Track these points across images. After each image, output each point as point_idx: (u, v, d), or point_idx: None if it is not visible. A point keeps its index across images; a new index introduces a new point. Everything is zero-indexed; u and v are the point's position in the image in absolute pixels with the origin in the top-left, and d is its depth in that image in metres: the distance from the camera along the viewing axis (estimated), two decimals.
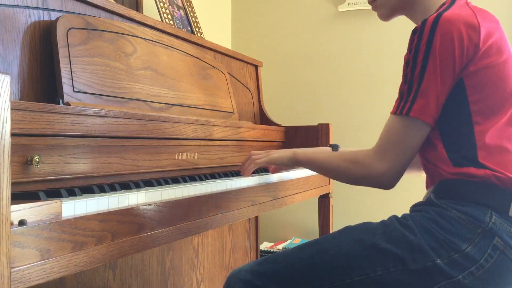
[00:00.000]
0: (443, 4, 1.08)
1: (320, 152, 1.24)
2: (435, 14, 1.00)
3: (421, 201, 1.08)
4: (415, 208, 1.07)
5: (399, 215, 1.06)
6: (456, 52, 0.98)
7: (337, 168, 1.14)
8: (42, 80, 1.15)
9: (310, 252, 1.06)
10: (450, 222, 0.97)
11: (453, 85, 1.01)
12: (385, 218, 1.08)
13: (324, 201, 2.01)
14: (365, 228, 1.05)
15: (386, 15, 1.21)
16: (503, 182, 0.98)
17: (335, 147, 1.46)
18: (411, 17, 1.18)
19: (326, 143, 2.00)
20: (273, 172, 1.53)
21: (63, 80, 1.13)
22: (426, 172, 1.11)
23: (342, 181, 1.18)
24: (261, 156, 1.35)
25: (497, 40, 1.02)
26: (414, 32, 1.02)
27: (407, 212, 1.10)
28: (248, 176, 1.39)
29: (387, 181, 1.05)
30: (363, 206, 2.69)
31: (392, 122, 1.03)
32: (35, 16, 1.16)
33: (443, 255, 0.95)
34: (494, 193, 0.97)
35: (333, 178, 1.25)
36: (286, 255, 1.08)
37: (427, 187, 1.11)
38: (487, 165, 0.98)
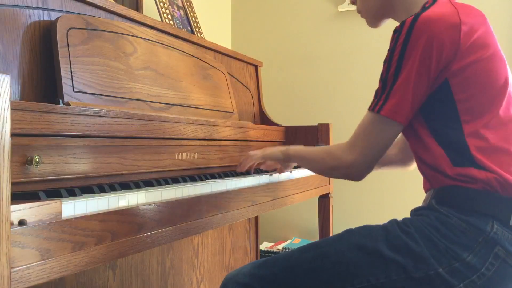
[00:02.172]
0: (426, 3, 1.07)
1: (310, 147, 1.27)
2: (414, 15, 1.00)
3: (422, 206, 1.07)
4: (417, 212, 1.05)
5: (399, 218, 1.05)
6: (434, 53, 0.97)
7: (315, 159, 1.19)
8: (42, 80, 1.15)
9: (311, 256, 1.04)
10: (452, 230, 0.96)
11: (432, 85, 1.00)
12: (385, 218, 1.07)
13: (324, 201, 2.01)
14: (367, 233, 1.03)
15: (373, 22, 1.23)
16: (504, 187, 0.96)
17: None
18: (397, 19, 1.17)
19: (326, 143, 2.00)
20: (279, 173, 1.55)
21: (63, 80, 1.13)
22: (424, 175, 1.09)
23: (319, 173, 1.24)
24: (257, 152, 1.41)
25: (481, 35, 1.00)
26: (394, 32, 1.02)
27: (407, 213, 1.09)
28: (242, 170, 1.44)
29: (354, 172, 1.07)
30: (363, 206, 2.69)
31: (366, 118, 1.05)
32: (35, 16, 1.16)
33: (444, 264, 0.94)
34: (495, 201, 0.96)
35: (314, 171, 1.29)
36: (286, 259, 1.06)
37: (425, 189, 1.10)
38: (486, 166, 0.97)
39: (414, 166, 1.32)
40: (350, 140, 1.07)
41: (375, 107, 1.02)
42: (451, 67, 0.98)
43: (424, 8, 1.04)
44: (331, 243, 1.05)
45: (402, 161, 1.35)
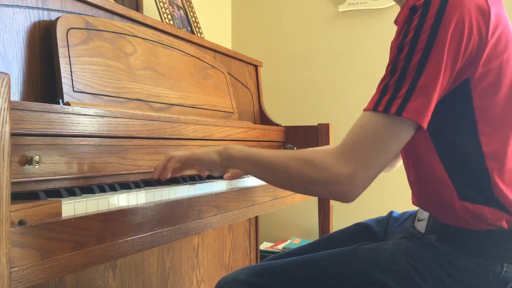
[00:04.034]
0: None
1: (265, 149, 0.97)
2: None
3: (420, 234, 0.94)
4: (417, 240, 0.93)
5: (397, 210, 1.00)
6: (464, 38, 0.78)
7: (286, 169, 0.87)
8: (42, 80, 1.15)
9: (311, 274, 0.96)
10: (459, 271, 0.86)
11: (452, 82, 0.81)
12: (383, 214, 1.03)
13: (324, 201, 2.01)
14: (373, 258, 0.93)
15: None
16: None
17: (290, 148, 1.29)
18: None
19: (326, 143, 1.99)
20: (228, 179, 1.25)
21: (63, 80, 1.13)
22: (417, 193, 0.96)
23: (289, 188, 0.95)
24: (178, 154, 1.07)
25: (504, 29, 0.83)
26: (413, 10, 0.80)
27: (403, 207, 1.05)
28: (154, 177, 1.09)
29: (350, 189, 0.81)
30: (363, 206, 2.69)
31: (369, 120, 0.81)
32: (35, 16, 1.16)
33: None
34: (502, 242, 0.85)
35: (278, 184, 0.98)
36: (284, 271, 0.99)
37: (415, 203, 0.99)
38: (504, 200, 0.83)
39: (396, 167, 1.23)
40: (346, 148, 0.82)
41: (389, 107, 0.79)
42: (475, 62, 0.81)
43: None
44: (332, 264, 0.96)
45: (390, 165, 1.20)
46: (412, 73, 0.78)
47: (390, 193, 2.62)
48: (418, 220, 0.98)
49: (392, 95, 0.79)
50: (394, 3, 2.41)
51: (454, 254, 0.87)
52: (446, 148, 0.85)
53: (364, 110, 0.83)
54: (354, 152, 0.80)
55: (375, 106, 0.81)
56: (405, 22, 0.81)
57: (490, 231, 0.85)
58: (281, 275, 0.98)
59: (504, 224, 0.84)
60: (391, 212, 1.19)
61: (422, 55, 0.77)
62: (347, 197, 0.82)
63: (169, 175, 1.08)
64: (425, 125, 0.79)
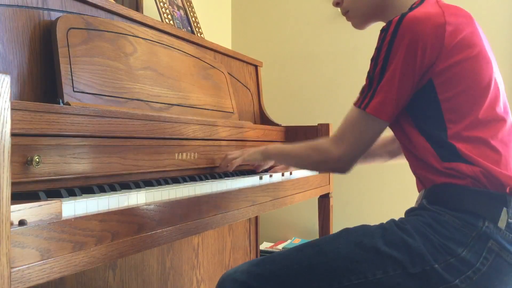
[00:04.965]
0: (413, 3, 1.08)
1: (291, 144, 1.29)
2: (400, 14, 1.01)
3: (414, 207, 1.08)
4: (410, 213, 1.06)
5: (397, 218, 1.05)
6: (418, 52, 0.99)
7: (300, 155, 1.22)
8: (42, 80, 1.15)
9: (308, 253, 1.05)
10: (445, 226, 0.97)
11: (417, 84, 1.01)
12: (385, 218, 1.07)
13: (324, 201, 2.01)
14: (364, 231, 1.04)
15: (359, 24, 1.24)
16: (491, 181, 0.97)
17: None
18: (385, 21, 1.15)
19: None
20: (257, 170, 1.62)
21: (63, 80, 1.13)
22: (415, 174, 1.10)
23: (305, 168, 1.31)
24: (236, 156, 1.46)
25: (466, 35, 1.02)
26: (381, 31, 1.04)
27: (404, 212, 1.09)
28: (221, 171, 1.49)
29: (342, 165, 1.10)
30: (363, 206, 2.69)
31: (351, 113, 1.08)
32: (35, 16, 1.16)
33: (440, 260, 0.95)
34: (484, 199, 0.97)
35: (298, 167, 1.37)
36: (284, 256, 1.07)
37: (419, 189, 1.11)
38: (473, 160, 0.98)
39: (395, 160, 1.38)
40: (337, 134, 1.10)
41: (361, 104, 1.05)
42: (435, 67, 1.00)
43: (411, 8, 1.05)
44: (328, 241, 1.06)
45: (389, 154, 1.38)
46: (376, 78, 1.03)
47: (388, 194, 2.62)
48: (415, 203, 1.10)
49: (365, 95, 1.05)
50: None
51: (440, 212, 0.99)
52: (423, 128, 1.05)
53: (352, 104, 1.09)
54: (341, 138, 1.09)
55: (355, 102, 1.08)
56: (378, 39, 1.05)
57: (473, 188, 0.98)
58: (280, 258, 1.07)
59: (483, 178, 0.97)
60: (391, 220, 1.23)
61: (382, 66, 1.02)
62: (342, 170, 1.13)
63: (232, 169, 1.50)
64: (383, 118, 1.03)
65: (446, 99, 1.01)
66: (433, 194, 1.03)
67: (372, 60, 1.05)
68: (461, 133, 1.00)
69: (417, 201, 1.10)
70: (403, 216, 1.12)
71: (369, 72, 1.05)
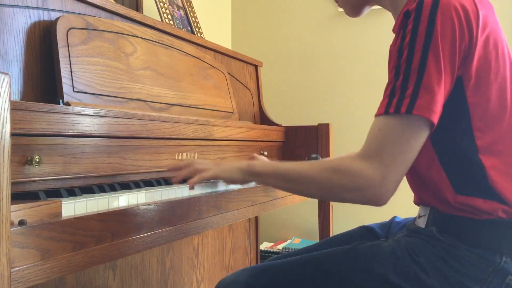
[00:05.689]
0: None
1: (287, 162, 0.99)
2: None
3: (421, 228, 0.96)
4: (417, 235, 0.95)
5: (399, 218, 1.02)
6: (457, 40, 0.83)
7: (314, 180, 0.90)
8: (42, 80, 1.15)
9: (312, 272, 0.96)
10: (460, 261, 0.87)
11: (453, 81, 0.85)
12: (384, 217, 1.04)
13: (324, 201, 2.01)
14: (374, 254, 0.94)
15: (351, 11, 1.10)
16: (510, 213, 0.88)
17: (315, 159, 1.30)
18: (382, 5, 1.05)
19: (326, 143, 1.99)
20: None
21: (63, 80, 1.13)
22: (416, 190, 0.99)
23: (320, 198, 0.96)
24: (205, 168, 1.07)
25: (492, 30, 0.89)
26: (407, 15, 0.86)
27: (407, 213, 1.07)
28: (175, 182, 1.12)
29: (383, 192, 0.83)
30: (363, 206, 2.69)
31: (384, 123, 0.85)
32: (35, 16, 1.16)
33: None
34: (501, 233, 0.87)
35: (307, 195, 1.03)
36: (285, 271, 0.99)
37: (416, 203, 1.01)
38: (498, 192, 0.86)
39: None
40: (371, 151, 0.84)
41: (399, 107, 0.82)
42: (467, 60, 0.85)
43: None
44: (334, 261, 0.97)
45: None
46: (415, 73, 0.82)
47: None
48: (419, 217, 0.99)
49: (400, 96, 0.83)
50: None
51: (454, 245, 0.88)
52: (442, 143, 0.89)
53: (376, 115, 0.87)
54: (379, 154, 0.83)
55: (386, 109, 0.84)
56: (400, 27, 0.87)
57: (488, 221, 0.87)
58: (282, 274, 0.99)
59: (502, 214, 0.86)
60: (394, 217, 1.21)
61: (422, 55, 0.82)
62: (380, 200, 0.85)
63: (190, 189, 1.12)
64: (435, 120, 0.82)
65: (475, 104, 0.86)
66: (444, 223, 0.91)
67: (400, 51, 0.85)
68: (491, 147, 0.87)
69: (419, 215, 0.98)
70: (403, 216, 1.11)
71: (398, 68, 0.85)
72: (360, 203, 0.88)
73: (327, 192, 0.92)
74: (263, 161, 1.07)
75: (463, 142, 0.87)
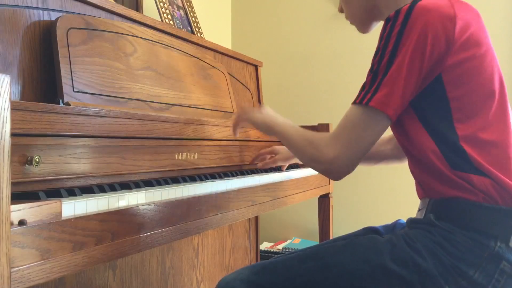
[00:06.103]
0: None
1: (288, 124, 1.16)
2: (409, 3, 0.94)
3: (419, 218, 1.02)
4: (416, 226, 1.01)
5: (399, 218, 1.04)
6: (428, 45, 0.92)
7: (296, 144, 1.09)
8: (42, 80, 1.15)
9: (312, 267, 0.99)
10: (456, 246, 0.92)
11: (424, 79, 0.95)
12: (385, 218, 1.06)
13: (324, 201, 2.01)
14: (371, 245, 0.99)
15: (362, 28, 1.20)
16: (502, 195, 0.93)
17: None
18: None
19: None
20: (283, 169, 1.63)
21: (63, 80, 1.13)
22: (417, 179, 1.05)
23: (299, 159, 1.15)
24: (241, 117, 1.35)
25: (474, 31, 0.96)
26: (387, 21, 0.96)
27: (407, 213, 1.08)
28: (236, 135, 1.43)
29: (334, 169, 0.98)
30: (363, 206, 2.69)
31: (351, 112, 0.98)
32: (35, 16, 1.16)
33: (451, 281, 0.91)
34: (496, 218, 0.92)
35: (294, 155, 1.20)
36: (286, 267, 1.02)
37: (419, 195, 1.06)
38: (484, 169, 0.93)
39: (385, 163, 1.34)
40: (334, 132, 0.99)
41: (363, 99, 0.95)
42: (444, 61, 0.94)
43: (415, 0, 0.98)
44: (333, 254, 1.01)
45: (397, 157, 1.33)
46: (382, 71, 0.95)
47: (388, 194, 2.62)
48: (418, 210, 1.04)
49: (367, 90, 0.96)
50: None
51: (450, 230, 0.94)
52: (434, 131, 0.98)
53: (351, 104, 1.00)
54: (339, 135, 0.98)
55: (355, 99, 0.98)
56: (382, 30, 0.98)
57: (484, 205, 0.93)
58: (282, 269, 1.01)
59: (494, 193, 0.93)
60: (397, 220, 1.23)
61: (390, 57, 0.94)
62: (333, 175, 1.01)
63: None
64: (388, 112, 0.94)
65: (455, 97, 0.95)
66: (441, 209, 0.97)
67: (377, 52, 0.97)
68: (471, 135, 0.95)
69: (419, 209, 1.04)
70: (403, 216, 1.12)
71: (372, 67, 0.97)
72: (321, 173, 1.05)
73: (300, 157, 1.10)
74: (281, 121, 1.19)
75: (446, 131, 0.96)
